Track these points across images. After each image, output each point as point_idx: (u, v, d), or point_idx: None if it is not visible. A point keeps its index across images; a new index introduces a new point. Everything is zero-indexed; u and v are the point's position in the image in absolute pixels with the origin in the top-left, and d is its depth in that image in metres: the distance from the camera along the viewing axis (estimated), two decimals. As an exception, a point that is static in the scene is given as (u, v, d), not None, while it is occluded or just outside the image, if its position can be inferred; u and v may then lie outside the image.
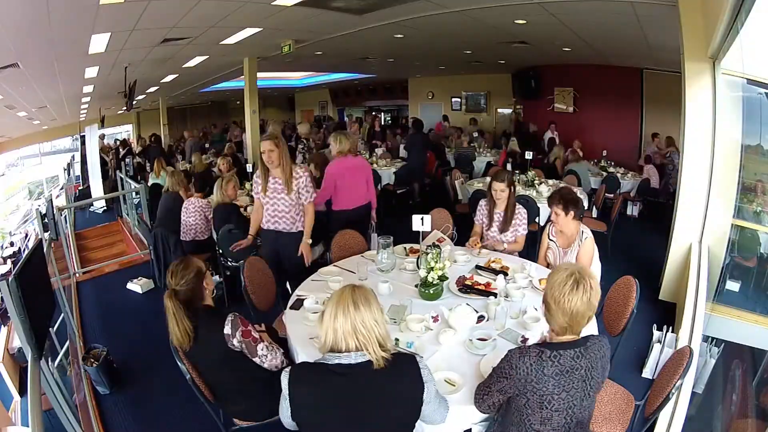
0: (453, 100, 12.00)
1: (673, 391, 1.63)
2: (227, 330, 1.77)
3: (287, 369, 1.40)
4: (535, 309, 2.10)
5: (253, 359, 1.83)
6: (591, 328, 2.08)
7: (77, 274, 4.70)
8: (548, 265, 2.85)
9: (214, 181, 4.62)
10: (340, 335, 1.34)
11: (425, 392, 1.38)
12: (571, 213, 2.61)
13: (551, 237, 2.81)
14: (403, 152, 7.54)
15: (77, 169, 11.99)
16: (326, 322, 1.37)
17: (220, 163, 5.61)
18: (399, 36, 6.10)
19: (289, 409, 1.36)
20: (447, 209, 3.70)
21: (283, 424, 1.47)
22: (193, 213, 3.85)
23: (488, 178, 5.13)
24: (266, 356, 1.84)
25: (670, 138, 6.75)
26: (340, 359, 1.33)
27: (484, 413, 1.58)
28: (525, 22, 5.12)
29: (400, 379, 1.37)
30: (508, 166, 5.83)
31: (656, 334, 2.87)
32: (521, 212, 3.08)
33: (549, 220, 2.77)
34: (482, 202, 3.21)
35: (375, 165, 6.70)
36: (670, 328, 2.86)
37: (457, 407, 1.57)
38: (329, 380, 1.33)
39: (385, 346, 1.36)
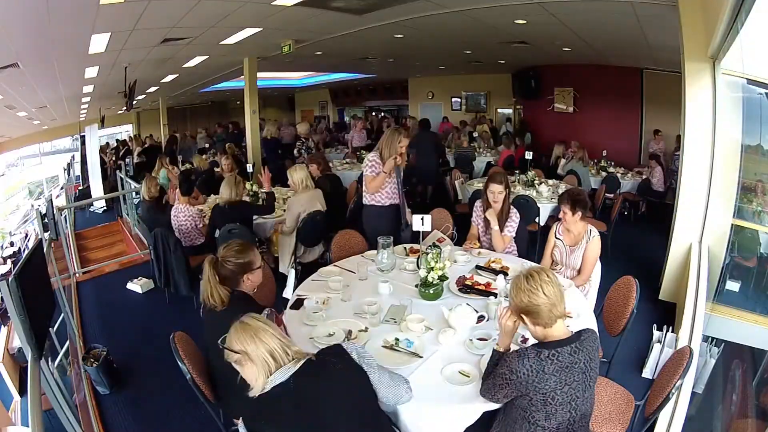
0: (453, 100, 12.01)
1: (673, 391, 1.63)
2: None
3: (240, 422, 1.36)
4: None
5: None
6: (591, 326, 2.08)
7: (77, 274, 4.70)
8: (552, 262, 2.86)
9: (217, 180, 4.62)
10: (267, 362, 1.30)
11: (369, 375, 1.39)
12: (578, 213, 2.68)
13: (558, 236, 2.83)
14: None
15: (77, 169, 12.00)
16: (254, 359, 1.31)
17: (224, 163, 5.60)
18: (399, 36, 6.10)
19: None
20: (447, 209, 3.70)
21: None
22: (184, 221, 3.82)
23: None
24: None
25: (678, 137, 6.75)
26: (273, 381, 1.30)
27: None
28: (525, 22, 5.12)
29: (340, 372, 1.35)
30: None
31: (656, 334, 2.87)
32: (514, 216, 3.08)
33: (550, 217, 2.79)
34: (477, 203, 3.21)
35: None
36: (670, 328, 2.86)
37: (472, 397, 1.61)
38: (278, 407, 1.30)
39: (290, 354, 1.32)
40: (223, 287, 1.87)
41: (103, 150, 10.44)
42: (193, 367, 1.81)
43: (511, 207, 3.10)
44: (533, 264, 2.71)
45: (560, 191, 4.98)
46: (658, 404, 1.68)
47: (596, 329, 2.12)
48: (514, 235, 3.08)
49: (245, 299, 1.93)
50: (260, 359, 1.30)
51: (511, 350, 1.63)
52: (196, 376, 1.81)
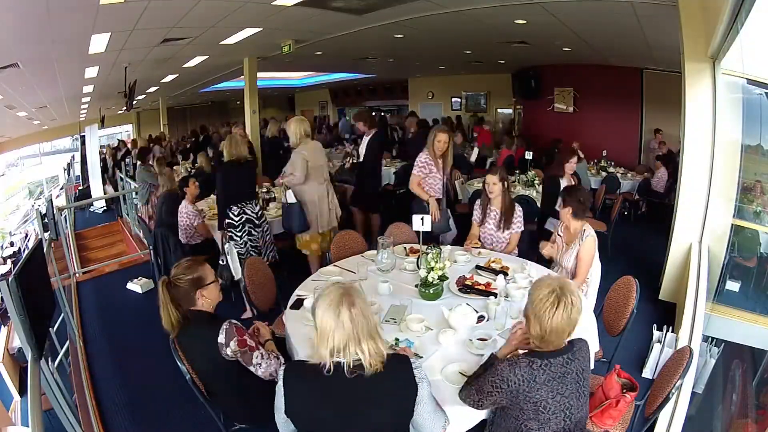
0: (453, 100, 12.00)
1: (673, 391, 1.63)
2: (221, 339, 1.74)
3: (284, 364, 1.44)
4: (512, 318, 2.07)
5: (249, 368, 1.80)
6: (591, 331, 2.08)
7: (77, 274, 4.70)
8: (550, 260, 2.86)
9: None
10: (331, 340, 1.32)
11: (418, 393, 1.38)
12: (569, 209, 2.63)
13: (559, 232, 2.83)
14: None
15: (77, 169, 12.00)
16: (319, 326, 1.35)
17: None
18: (399, 36, 6.10)
19: (283, 402, 1.38)
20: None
21: (279, 428, 1.46)
22: (185, 218, 3.85)
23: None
24: (260, 365, 1.79)
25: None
26: (333, 358, 1.34)
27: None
28: (525, 22, 5.12)
29: (392, 379, 1.37)
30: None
31: (656, 334, 2.87)
32: (518, 211, 3.10)
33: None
34: (477, 201, 3.23)
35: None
36: (670, 328, 2.86)
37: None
38: (322, 377, 1.33)
39: (377, 347, 1.35)
40: (174, 309, 1.78)
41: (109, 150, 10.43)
42: (193, 367, 1.81)
43: (515, 204, 3.12)
44: (534, 264, 2.71)
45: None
46: (658, 404, 1.68)
47: (596, 329, 2.13)
48: (522, 229, 3.09)
49: (201, 318, 1.83)
50: (340, 333, 1.32)
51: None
52: (196, 376, 1.81)
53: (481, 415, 1.61)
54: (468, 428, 1.62)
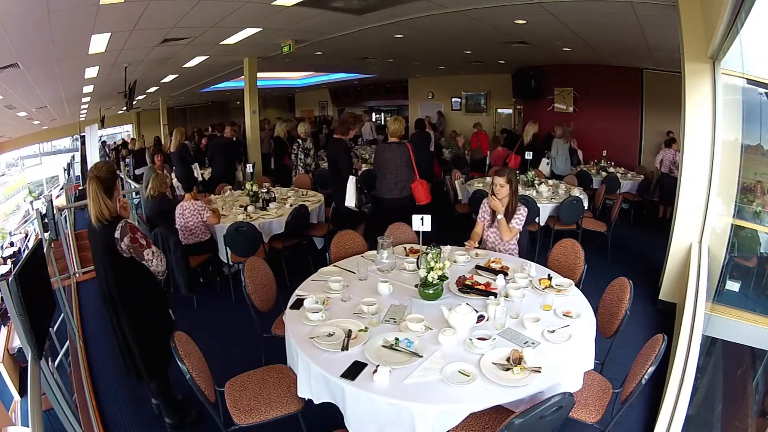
0: (453, 100, 12.02)
1: (645, 376, 1.69)
2: (117, 234, 2.03)
3: None
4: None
5: (142, 262, 2.13)
6: (591, 327, 2.07)
7: (77, 274, 4.70)
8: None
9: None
10: None
11: None
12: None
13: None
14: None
15: (77, 169, 12.00)
16: None
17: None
18: (399, 36, 6.10)
19: None
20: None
21: None
22: (191, 216, 3.84)
23: (488, 178, 5.14)
24: (152, 261, 2.14)
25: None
26: None
27: None
28: (525, 22, 5.12)
29: None
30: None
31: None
32: (522, 210, 3.09)
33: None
34: (485, 200, 3.22)
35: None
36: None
37: (471, 396, 1.60)
38: None
39: None
40: (109, 202, 2.08)
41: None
42: (193, 367, 1.81)
43: (519, 204, 3.11)
44: (534, 264, 2.70)
45: (560, 191, 4.98)
46: (631, 390, 1.74)
47: (595, 329, 2.12)
48: (520, 229, 3.08)
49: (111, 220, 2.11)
50: None
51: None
52: (196, 376, 1.81)
53: (468, 410, 1.58)
54: (454, 425, 1.60)
